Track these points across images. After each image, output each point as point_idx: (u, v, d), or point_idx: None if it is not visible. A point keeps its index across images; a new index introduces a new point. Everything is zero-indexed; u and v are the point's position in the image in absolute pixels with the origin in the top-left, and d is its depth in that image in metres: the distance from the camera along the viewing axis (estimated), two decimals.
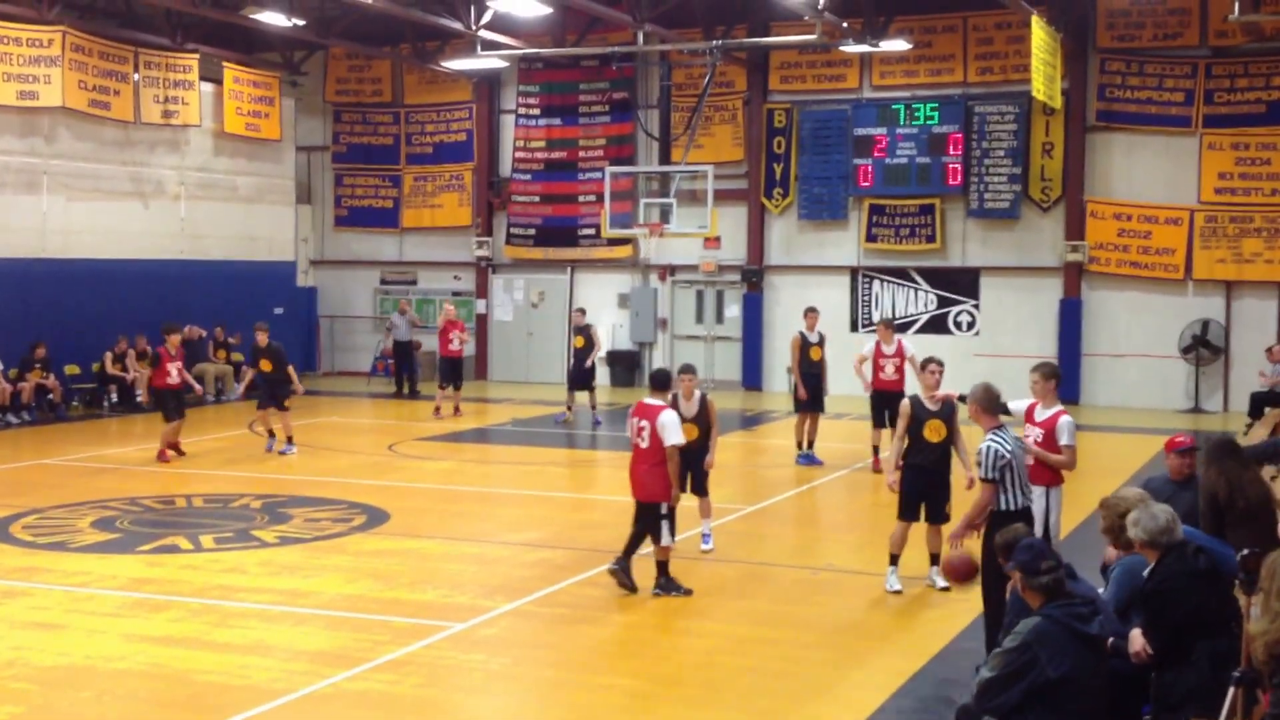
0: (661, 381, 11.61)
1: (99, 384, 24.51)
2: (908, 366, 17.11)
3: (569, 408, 23.41)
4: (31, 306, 23.60)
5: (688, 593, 11.28)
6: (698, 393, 12.90)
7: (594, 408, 23.24)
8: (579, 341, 23.52)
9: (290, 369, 19.65)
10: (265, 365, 19.59)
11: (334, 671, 9.17)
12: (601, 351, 29.26)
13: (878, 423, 17.63)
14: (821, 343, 18.77)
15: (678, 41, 26.21)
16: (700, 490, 13.07)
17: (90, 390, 24.53)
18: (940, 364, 11.96)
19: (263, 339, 19.71)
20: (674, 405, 12.62)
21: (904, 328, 25.54)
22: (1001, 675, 6.47)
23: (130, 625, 10.37)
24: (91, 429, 22.47)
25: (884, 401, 17.36)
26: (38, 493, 15.98)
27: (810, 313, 19.13)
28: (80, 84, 24.22)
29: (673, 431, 11.09)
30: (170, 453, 18.77)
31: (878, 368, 17.62)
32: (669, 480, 11.15)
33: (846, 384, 20.80)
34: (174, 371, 18.97)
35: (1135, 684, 7.13)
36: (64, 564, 12.37)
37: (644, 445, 11.18)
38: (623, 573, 11.32)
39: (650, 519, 11.22)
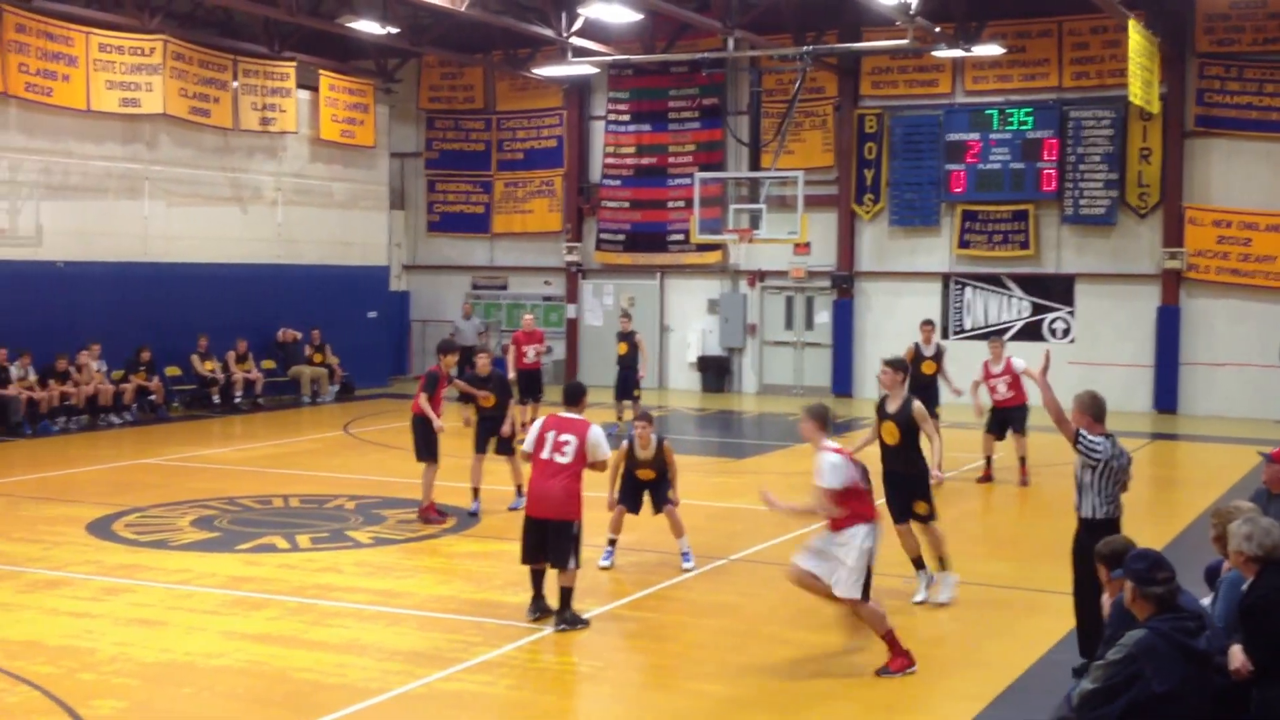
0: (570, 395, 10.87)
1: (200, 385, 24.95)
2: (1025, 380, 16.92)
3: (619, 417, 21.42)
4: (133, 309, 24.10)
5: (585, 624, 10.43)
6: (654, 438, 12.34)
7: (620, 419, 21.23)
8: (622, 348, 21.59)
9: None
10: (488, 400, 14.98)
11: (428, 671, 9.26)
12: (694, 356, 29.47)
13: (991, 430, 17.48)
14: (938, 356, 18.08)
15: (768, 47, 26.14)
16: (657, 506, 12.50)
17: (190, 391, 25.00)
18: (891, 366, 11.52)
19: (485, 365, 14.99)
20: (629, 451, 12.34)
21: (998, 334, 25.07)
22: (1104, 688, 6.38)
23: (229, 623, 10.55)
24: (191, 429, 22.88)
25: (1002, 415, 17.41)
26: (139, 492, 16.33)
27: (926, 325, 18.62)
28: (181, 91, 24.71)
29: (602, 447, 10.41)
30: (433, 511, 14.62)
31: (990, 389, 17.42)
32: (581, 497, 10.34)
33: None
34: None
35: (1236, 700, 6.98)
36: (165, 562, 12.63)
37: (562, 460, 10.30)
38: (566, 618, 10.40)
39: (563, 539, 10.30)
